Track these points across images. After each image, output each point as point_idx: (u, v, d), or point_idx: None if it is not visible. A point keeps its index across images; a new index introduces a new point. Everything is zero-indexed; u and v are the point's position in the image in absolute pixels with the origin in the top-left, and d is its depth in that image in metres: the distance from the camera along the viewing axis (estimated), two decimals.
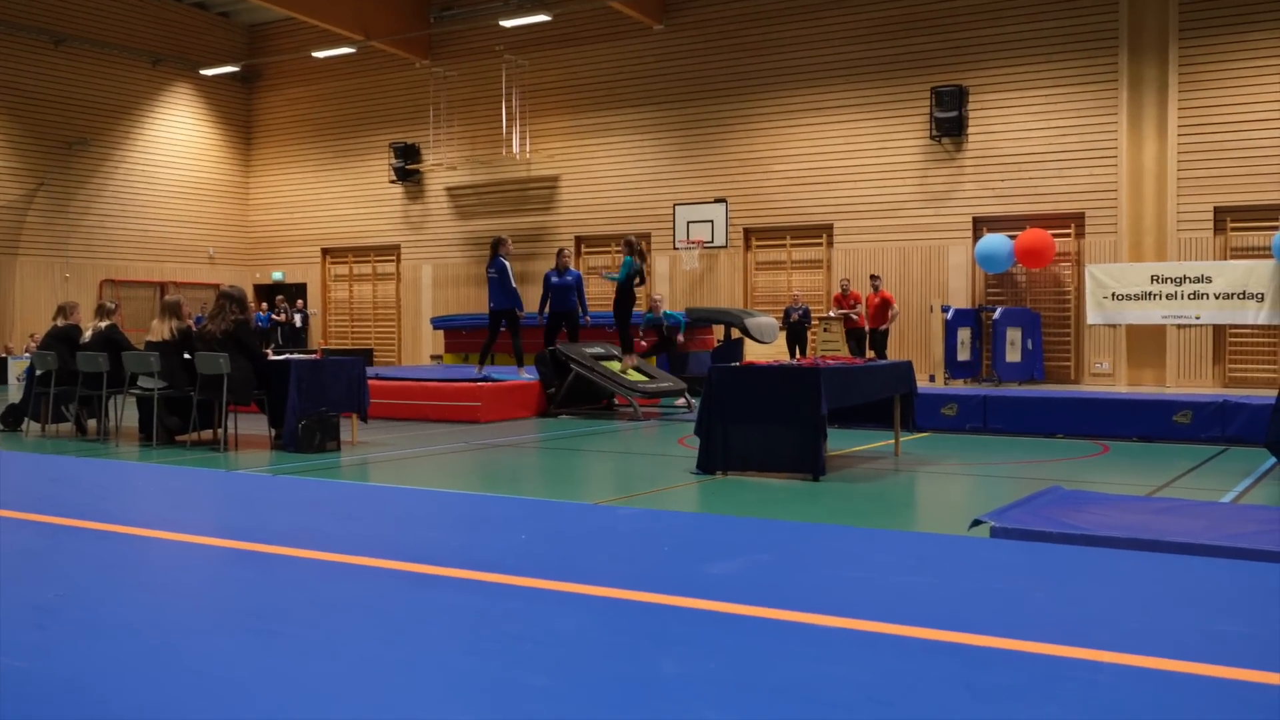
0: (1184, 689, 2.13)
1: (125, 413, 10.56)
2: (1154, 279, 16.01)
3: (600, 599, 2.84)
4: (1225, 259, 16.11)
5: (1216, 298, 15.61)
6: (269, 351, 10.58)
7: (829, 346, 17.58)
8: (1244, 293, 15.42)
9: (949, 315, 16.71)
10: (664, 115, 20.59)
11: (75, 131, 22.61)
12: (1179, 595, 3.01)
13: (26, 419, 10.97)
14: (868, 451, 9.19)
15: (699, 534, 4.00)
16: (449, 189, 23.25)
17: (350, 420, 10.02)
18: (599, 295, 18.51)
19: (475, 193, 22.91)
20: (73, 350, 10.43)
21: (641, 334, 16.20)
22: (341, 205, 24.61)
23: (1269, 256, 15.43)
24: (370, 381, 10.63)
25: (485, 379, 12.46)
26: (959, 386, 15.62)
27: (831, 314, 17.82)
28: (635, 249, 13.29)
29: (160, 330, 9.89)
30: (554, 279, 13.32)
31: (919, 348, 18.06)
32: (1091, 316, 16.59)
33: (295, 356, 10.43)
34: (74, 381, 10.34)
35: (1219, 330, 16.32)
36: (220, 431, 9.38)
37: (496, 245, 13.08)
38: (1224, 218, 16.32)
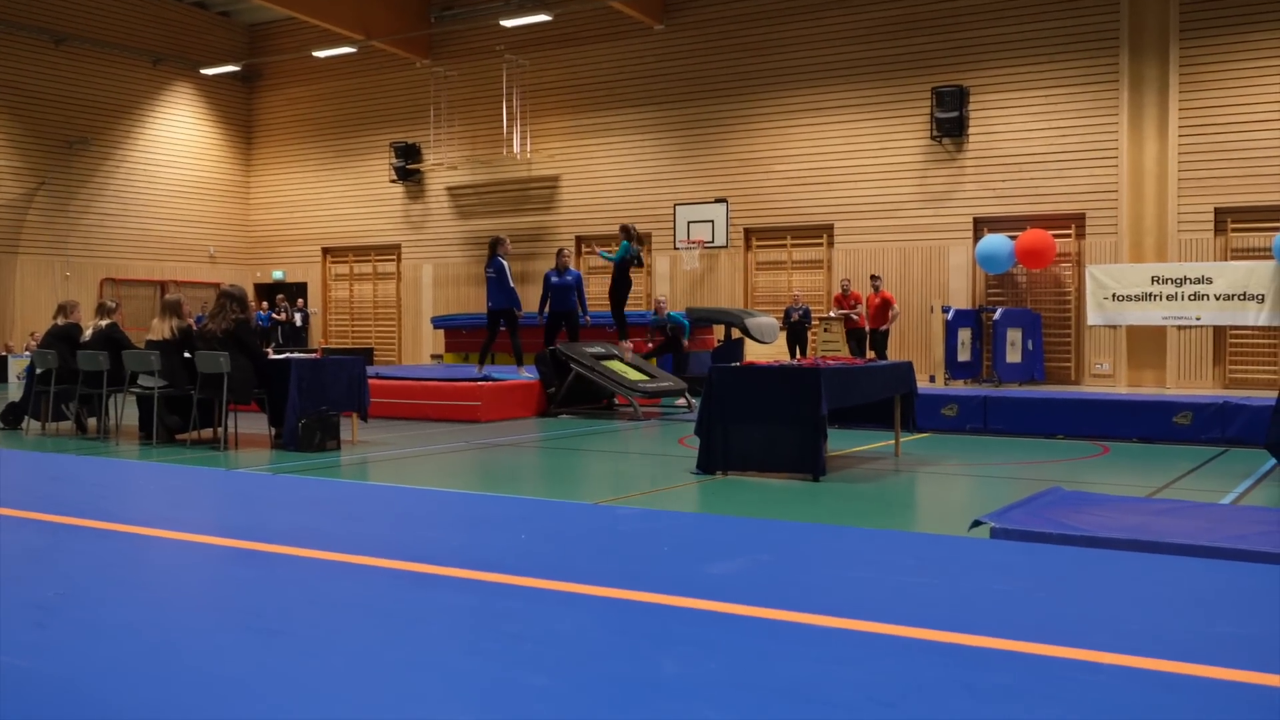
0: (1183, 690, 2.13)
1: (125, 411, 10.55)
2: (1154, 280, 16.00)
3: (600, 599, 2.84)
4: (1226, 260, 16.10)
5: (1217, 299, 15.60)
6: (269, 350, 10.57)
7: (829, 347, 17.58)
8: (1244, 294, 15.42)
9: (949, 316, 16.70)
10: (664, 115, 20.59)
11: (76, 131, 22.62)
12: (1179, 597, 3.01)
13: (27, 417, 10.97)
14: (868, 452, 9.19)
15: (699, 534, 4.00)
16: (449, 189, 23.25)
17: (350, 419, 10.03)
18: (599, 295, 18.51)
19: (475, 192, 22.92)
20: (73, 349, 10.43)
21: (648, 336, 16.22)
22: (342, 205, 24.62)
23: (1270, 258, 15.42)
24: (370, 381, 10.63)
25: (485, 378, 12.47)
26: (959, 387, 15.61)
27: (832, 314, 17.81)
28: (633, 234, 13.65)
29: (161, 329, 9.90)
30: (554, 279, 13.34)
31: (919, 348, 18.06)
32: (1092, 317, 16.58)
33: (295, 356, 10.44)
34: (74, 380, 10.34)
35: (1219, 331, 16.32)
36: (220, 430, 9.39)
37: (495, 245, 13.09)
38: (1225, 219, 16.32)
